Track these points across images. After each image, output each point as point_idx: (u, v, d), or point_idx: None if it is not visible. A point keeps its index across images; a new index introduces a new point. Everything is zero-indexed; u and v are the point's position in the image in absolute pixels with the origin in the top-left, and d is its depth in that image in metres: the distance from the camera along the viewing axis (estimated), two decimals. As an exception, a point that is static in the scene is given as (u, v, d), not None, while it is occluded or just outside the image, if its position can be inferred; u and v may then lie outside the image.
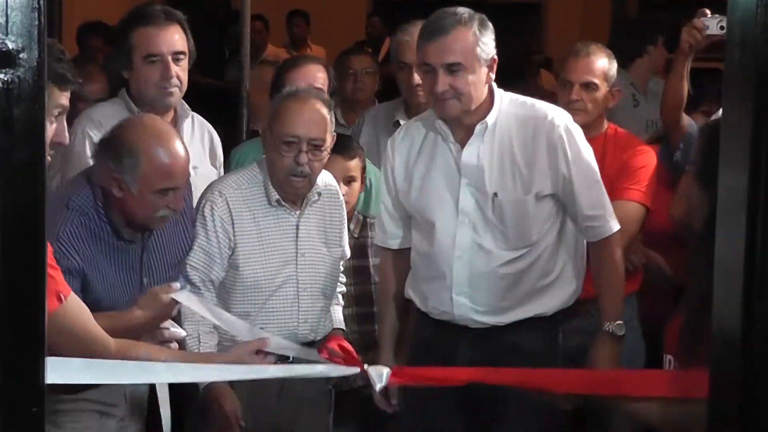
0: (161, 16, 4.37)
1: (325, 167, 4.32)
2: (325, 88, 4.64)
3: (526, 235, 3.98)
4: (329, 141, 3.95)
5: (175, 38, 4.35)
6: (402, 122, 5.03)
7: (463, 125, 4.02)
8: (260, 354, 3.41)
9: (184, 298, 3.55)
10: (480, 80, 3.93)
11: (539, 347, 3.81)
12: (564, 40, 6.59)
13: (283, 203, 3.96)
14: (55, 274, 3.01)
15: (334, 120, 4.04)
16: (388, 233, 4.26)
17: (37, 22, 2.15)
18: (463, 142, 4.01)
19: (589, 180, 4.00)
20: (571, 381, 3.34)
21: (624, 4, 10.81)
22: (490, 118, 3.99)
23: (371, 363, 3.81)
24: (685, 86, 4.86)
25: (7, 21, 2.12)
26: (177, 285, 3.57)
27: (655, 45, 6.34)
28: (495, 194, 3.95)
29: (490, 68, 3.97)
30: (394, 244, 4.26)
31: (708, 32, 4.55)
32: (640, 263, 4.61)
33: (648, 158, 4.76)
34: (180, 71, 4.35)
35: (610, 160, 4.41)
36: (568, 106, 4.59)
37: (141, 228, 3.84)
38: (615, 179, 4.30)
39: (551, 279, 4.06)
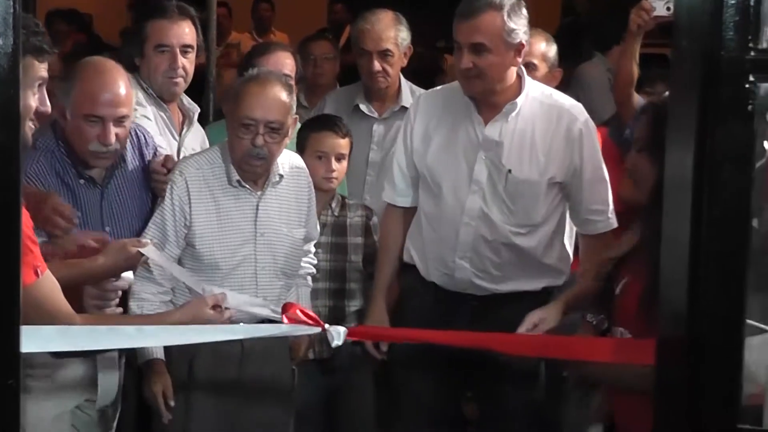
0: (175, 11, 4.45)
1: (317, 143, 4.37)
2: (293, 75, 4.66)
3: (530, 215, 4.01)
4: (288, 124, 3.91)
5: (186, 32, 4.42)
6: (361, 105, 5.03)
7: (488, 103, 4.06)
8: (217, 309, 3.40)
9: (151, 252, 3.54)
10: (503, 62, 3.97)
11: None
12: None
13: (244, 184, 3.92)
14: (34, 248, 2.98)
15: (295, 103, 4.01)
16: (398, 190, 4.29)
17: (12, 10, 2.12)
18: (487, 118, 4.05)
19: (598, 176, 4.04)
20: (528, 344, 3.36)
21: (573, -6, 10.85)
22: (519, 101, 4.04)
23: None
24: (635, 65, 4.89)
25: (-18, 8, 2.10)
26: (146, 240, 3.56)
27: None
28: (509, 171, 3.98)
29: (517, 53, 4.00)
30: (404, 201, 4.29)
31: (655, 13, 4.58)
32: None
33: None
34: (187, 63, 4.43)
35: None
36: None
37: (84, 164, 3.79)
38: None
39: (548, 262, 4.09)
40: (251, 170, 3.87)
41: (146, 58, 4.43)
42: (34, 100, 2.94)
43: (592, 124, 4.11)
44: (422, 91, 4.81)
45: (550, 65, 4.78)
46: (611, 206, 4.09)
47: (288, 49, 4.95)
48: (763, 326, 2.28)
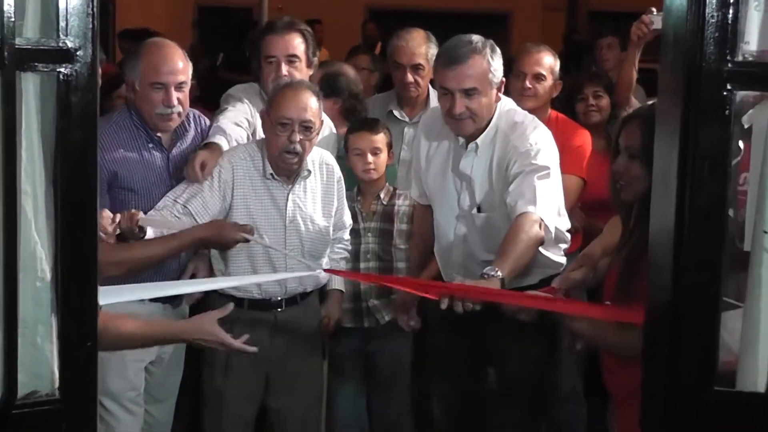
0: (283, 26, 4.32)
1: (354, 141, 4.38)
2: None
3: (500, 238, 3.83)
4: (318, 125, 3.89)
5: (292, 44, 4.27)
6: (395, 111, 4.99)
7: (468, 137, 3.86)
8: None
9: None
10: (490, 102, 3.76)
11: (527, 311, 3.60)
12: (527, 45, 6.57)
13: (276, 177, 3.93)
14: None
15: (322, 108, 3.98)
16: (419, 194, 4.20)
17: (90, 26, 2.14)
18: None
19: (522, 181, 3.69)
20: (527, 300, 3.23)
21: (575, 14, 10.83)
22: (480, 139, 3.81)
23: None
24: (634, 72, 4.85)
25: (66, 25, 2.12)
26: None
27: None
28: (479, 206, 3.83)
29: (498, 89, 3.76)
30: (426, 202, 4.16)
31: (653, 27, 4.55)
32: (580, 226, 4.56)
33: (584, 138, 4.72)
34: (294, 71, 4.25)
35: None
36: (521, 92, 4.59)
37: (154, 128, 3.85)
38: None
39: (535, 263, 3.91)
40: (286, 166, 3.85)
41: (261, 68, 4.32)
42: None
43: (531, 120, 3.86)
44: None
45: (554, 77, 4.73)
46: (528, 198, 3.65)
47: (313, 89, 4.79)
48: (736, 302, 2.28)
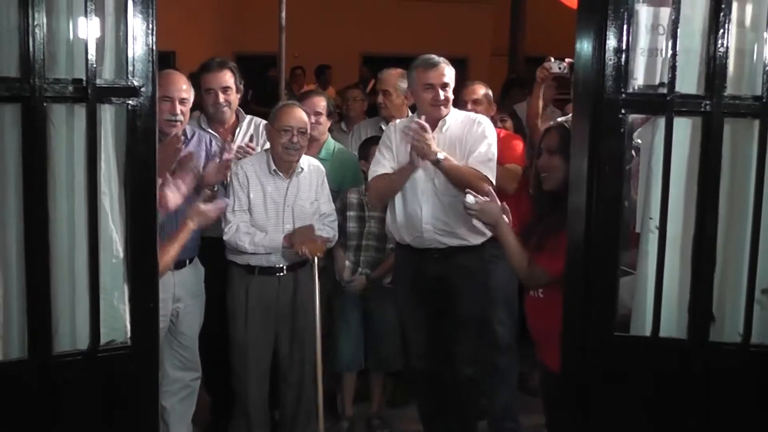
0: (215, 65, 4.22)
1: (365, 155, 4.43)
2: (324, 111, 4.54)
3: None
4: (308, 130, 3.96)
5: (225, 78, 4.17)
6: (384, 128, 4.95)
7: (435, 124, 3.89)
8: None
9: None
10: (452, 94, 3.96)
11: (474, 263, 3.69)
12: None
13: (279, 173, 3.97)
14: None
15: (309, 120, 3.99)
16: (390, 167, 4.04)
17: (151, 69, 2.15)
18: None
19: (480, 154, 3.83)
20: None
21: (516, 60, 10.82)
22: (448, 119, 3.92)
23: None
24: (540, 104, 4.85)
25: (133, 69, 2.13)
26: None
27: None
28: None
29: (452, 90, 4.00)
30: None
31: (552, 71, 4.60)
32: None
33: (519, 142, 4.70)
34: (227, 98, 4.19)
35: (499, 145, 4.25)
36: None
37: (161, 132, 3.53)
38: (501, 154, 4.18)
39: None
40: (289, 158, 3.90)
41: (203, 98, 4.22)
42: None
43: (490, 126, 3.97)
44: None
45: (489, 101, 4.69)
46: (485, 169, 3.82)
47: (322, 94, 4.81)
48: (629, 270, 2.29)
